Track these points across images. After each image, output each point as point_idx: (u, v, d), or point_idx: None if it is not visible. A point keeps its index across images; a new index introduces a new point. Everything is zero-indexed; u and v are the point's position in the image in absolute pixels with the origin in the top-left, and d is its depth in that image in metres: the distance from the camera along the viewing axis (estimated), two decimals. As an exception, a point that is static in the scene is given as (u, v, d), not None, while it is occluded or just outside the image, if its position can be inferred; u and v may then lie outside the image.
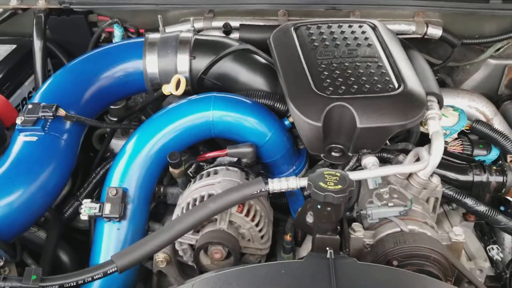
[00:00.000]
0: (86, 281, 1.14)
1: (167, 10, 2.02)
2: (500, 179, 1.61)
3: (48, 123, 1.52)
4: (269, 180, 1.26)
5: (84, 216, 1.45)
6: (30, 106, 1.52)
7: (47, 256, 1.55)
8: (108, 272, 1.15)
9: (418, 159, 1.42)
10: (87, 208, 1.44)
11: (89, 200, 1.47)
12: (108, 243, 1.47)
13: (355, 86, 1.40)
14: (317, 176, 1.13)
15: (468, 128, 1.75)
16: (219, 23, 1.98)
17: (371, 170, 1.36)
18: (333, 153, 1.42)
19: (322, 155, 1.42)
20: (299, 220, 1.32)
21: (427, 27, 1.97)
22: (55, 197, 1.54)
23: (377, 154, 1.50)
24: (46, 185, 1.47)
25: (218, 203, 1.23)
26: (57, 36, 2.09)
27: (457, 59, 2.11)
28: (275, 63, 1.55)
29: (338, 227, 1.18)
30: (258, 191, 1.24)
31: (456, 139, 1.77)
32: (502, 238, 1.72)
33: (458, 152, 1.74)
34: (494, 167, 1.64)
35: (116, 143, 1.94)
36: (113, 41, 1.99)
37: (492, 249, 1.63)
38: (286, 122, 1.64)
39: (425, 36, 1.99)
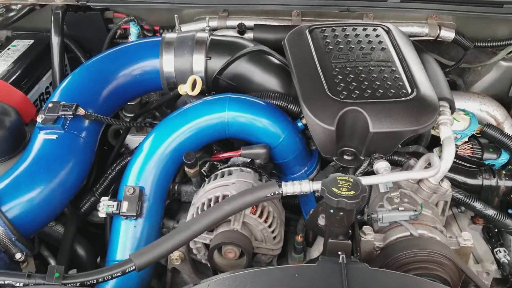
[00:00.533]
0: (105, 279, 1.18)
1: (183, 9, 2.04)
2: (509, 183, 1.63)
3: (68, 122, 1.55)
4: (283, 183, 1.29)
5: (102, 214, 1.48)
6: (50, 105, 1.55)
7: (65, 251, 1.59)
8: (127, 270, 1.19)
9: (429, 164, 1.44)
10: (105, 206, 1.48)
11: (107, 198, 1.50)
12: (125, 240, 1.50)
13: (369, 91, 1.41)
14: (330, 181, 1.15)
15: (478, 132, 1.76)
16: (234, 22, 2.01)
17: (383, 175, 1.38)
18: (345, 156, 1.44)
19: (334, 158, 1.45)
20: (311, 222, 1.36)
21: (440, 29, 1.98)
22: (73, 193, 1.57)
23: (388, 157, 1.51)
24: (65, 182, 1.51)
25: (233, 205, 1.26)
26: (73, 32, 2.12)
27: (469, 61, 2.12)
28: (290, 65, 1.57)
29: (350, 231, 1.21)
30: (272, 194, 1.27)
31: (466, 142, 1.77)
32: (509, 241, 1.72)
33: (468, 156, 1.75)
34: (504, 172, 1.66)
35: (131, 139, 1.97)
36: (129, 39, 2.01)
37: (499, 251, 1.65)
38: (299, 124, 1.64)
39: (438, 39, 1.99)
